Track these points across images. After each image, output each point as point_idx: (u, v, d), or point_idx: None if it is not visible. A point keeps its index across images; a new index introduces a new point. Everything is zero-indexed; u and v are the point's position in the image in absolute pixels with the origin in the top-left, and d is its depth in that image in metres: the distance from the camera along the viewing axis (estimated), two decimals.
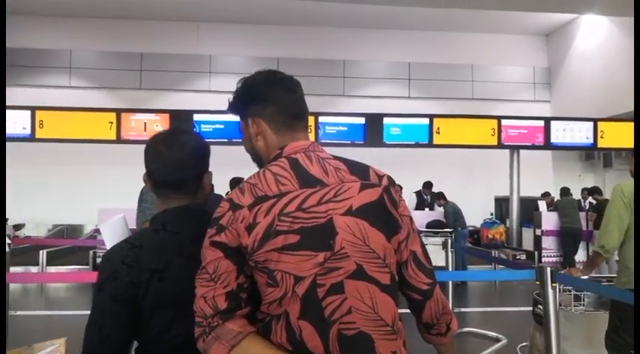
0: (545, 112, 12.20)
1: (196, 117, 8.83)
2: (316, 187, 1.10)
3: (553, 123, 9.26)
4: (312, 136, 8.74)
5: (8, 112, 8.74)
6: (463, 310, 5.96)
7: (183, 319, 1.21)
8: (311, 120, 8.90)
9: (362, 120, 8.96)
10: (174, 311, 1.22)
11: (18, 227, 9.51)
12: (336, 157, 1.20)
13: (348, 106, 11.06)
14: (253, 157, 1.30)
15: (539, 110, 12.06)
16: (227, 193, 7.14)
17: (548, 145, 9.32)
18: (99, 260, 8.38)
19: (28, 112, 8.59)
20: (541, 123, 9.26)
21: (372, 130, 8.94)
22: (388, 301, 1.10)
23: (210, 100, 10.30)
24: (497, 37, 12.77)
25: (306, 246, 1.05)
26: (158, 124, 8.77)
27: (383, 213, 1.14)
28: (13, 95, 10.16)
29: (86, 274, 6.14)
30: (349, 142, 8.86)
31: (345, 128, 8.92)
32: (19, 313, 5.53)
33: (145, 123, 8.71)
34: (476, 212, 10.57)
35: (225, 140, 8.57)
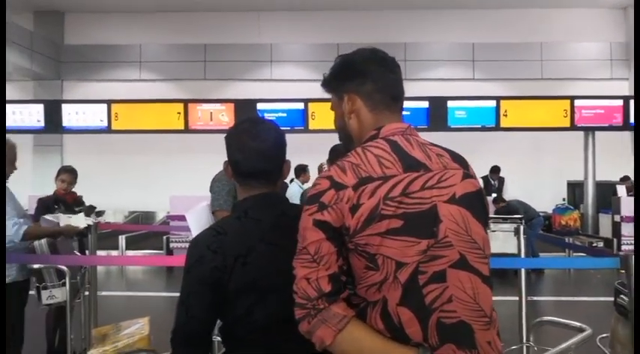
0: (623, 91, 11.39)
1: (259, 106, 9.02)
2: (420, 171, 1.08)
3: (632, 102, 8.64)
4: None
5: (87, 106, 9.33)
6: (536, 298, 5.76)
7: (263, 302, 1.26)
8: None
9: (425, 103, 8.78)
10: (256, 295, 1.27)
11: (99, 214, 10.17)
12: (433, 144, 1.17)
13: (411, 90, 10.65)
14: (342, 137, 1.29)
15: (617, 89, 11.27)
16: (292, 180, 7.26)
17: (627, 125, 8.73)
18: (172, 245, 8.83)
19: (105, 106, 9.12)
20: (619, 102, 8.68)
21: (436, 113, 8.75)
22: (488, 293, 1.08)
23: (271, 89, 10.48)
24: (569, 12, 12.02)
25: (410, 232, 1.04)
26: (223, 114, 9.03)
27: (481, 205, 1.13)
28: (90, 89, 10.82)
29: (164, 258, 6.52)
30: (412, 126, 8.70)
31: (408, 113, 8.76)
32: (104, 293, 5.94)
33: (211, 113, 9.00)
34: (546, 198, 10.12)
35: (288, 128, 8.70)
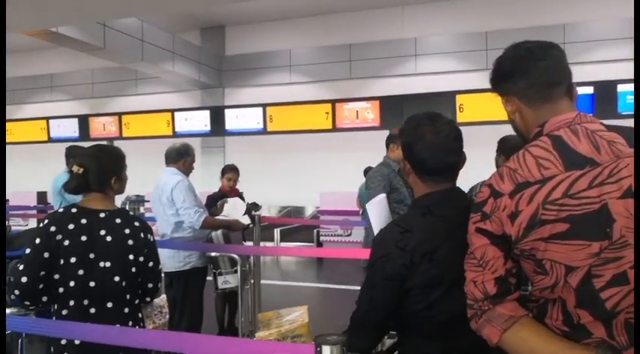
0: None
1: (405, 101, 8.98)
2: (585, 168, 1.00)
3: None
4: None
5: (246, 110, 10.21)
6: None
7: (448, 297, 1.29)
8: None
9: (590, 89, 7.92)
10: (442, 290, 1.30)
11: (257, 208, 11.07)
12: (611, 128, 1.06)
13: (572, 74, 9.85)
14: (519, 136, 1.27)
15: None
16: None
17: None
18: (322, 238, 9.25)
19: (261, 109, 9.90)
20: None
21: (603, 99, 7.83)
22: None
23: (416, 84, 10.34)
24: None
25: (578, 235, 0.97)
26: (369, 111, 9.18)
27: None
28: (247, 95, 11.80)
29: (321, 250, 6.89)
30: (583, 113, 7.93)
31: None
32: (262, 282, 6.46)
33: (357, 111, 9.22)
34: None
35: None
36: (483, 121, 7.58)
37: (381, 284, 1.33)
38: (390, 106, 8.96)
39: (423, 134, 1.38)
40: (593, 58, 10.55)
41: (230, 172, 4.91)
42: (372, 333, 1.37)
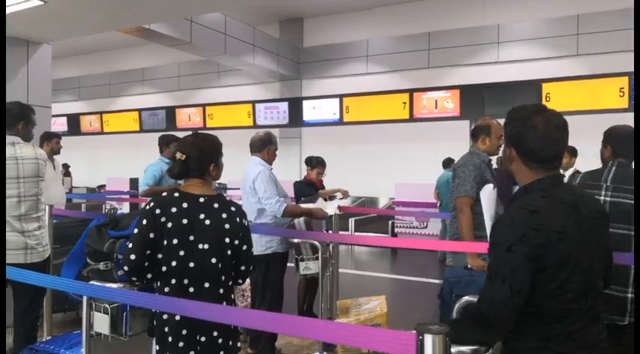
0: None
1: (486, 91, 8.67)
2: None
3: None
4: (625, 101, 7.49)
5: (323, 101, 10.32)
6: None
7: (574, 275, 1.38)
8: (623, 82, 7.65)
9: None
10: (570, 269, 1.38)
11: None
12: None
13: None
14: None
15: None
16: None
17: None
18: (397, 230, 9.18)
19: (337, 100, 9.96)
20: None
21: None
22: None
23: (497, 72, 9.93)
24: None
25: None
26: (449, 101, 8.96)
27: None
28: (324, 86, 11.91)
29: (398, 240, 6.88)
30: None
31: None
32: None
33: (436, 100, 9.03)
34: None
35: None
36: (572, 111, 7.17)
37: (522, 268, 1.36)
38: (470, 95, 8.69)
39: (534, 124, 1.48)
40: None
41: (320, 167, 5.20)
42: (508, 321, 1.39)
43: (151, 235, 2.05)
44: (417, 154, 10.10)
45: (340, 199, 4.73)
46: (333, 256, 3.99)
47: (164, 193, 2.17)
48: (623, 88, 7.58)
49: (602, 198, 2.33)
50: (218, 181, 10.09)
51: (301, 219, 3.66)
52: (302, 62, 12.30)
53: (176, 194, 2.14)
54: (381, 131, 10.71)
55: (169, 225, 2.06)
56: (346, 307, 3.58)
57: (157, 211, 2.07)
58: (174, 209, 2.08)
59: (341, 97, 10.01)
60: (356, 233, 9.05)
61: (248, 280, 3.72)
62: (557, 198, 1.45)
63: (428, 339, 1.05)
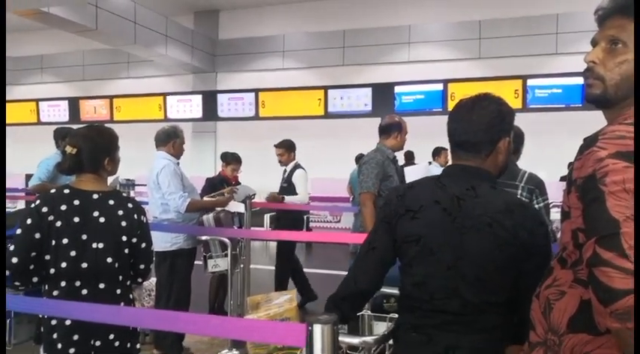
0: None
1: (397, 89, 9.00)
2: None
3: None
4: (519, 102, 8.13)
5: (238, 95, 10.16)
6: None
7: (423, 260, 1.40)
8: (517, 84, 8.28)
9: (580, 80, 7.98)
10: (417, 250, 1.40)
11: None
12: None
13: (563, 66, 9.92)
14: None
15: None
16: (430, 162, 7.13)
17: None
18: (311, 224, 9.27)
19: (253, 94, 9.86)
20: None
21: None
22: None
23: (409, 71, 10.34)
24: None
25: None
26: (361, 98, 9.19)
27: None
28: (239, 80, 11.73)
29: (311, 235, 6.90)
30: (563, 105, 8.03)
31: (560, 90, 8.08)
32: (251, 266, 6.49)
33: (349, 97, 9.22)
34: None
35: (426, 110, 8.56)
36: None
37: (381, 228, 1.50)
38: (381, 93, 8.97)
39: (457, 110, 1.53)
40: (585, 48, 10.60)
41: (235, 163, 5.11)
42: (366, 277, 1.49)
43: (37, 236, 1.91)
44: (331, 150, 10.26)
45: (252, 195, 4.68)
46: (244, 252, 3.95)
47: (52, 190, 2.02)
48: (517, 90, 8.22)
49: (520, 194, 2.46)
50: (126, 178, 9.63)
51: (210, 215, 3.59)
52: (217, 55, 12.03)
53: (66, 191, 2.00)
54: (296, 127, 10.75)
55: (58, 224, 1.92)
56: (257, 302, 3.54)
57: (44, 209, 1.93)
58: (64, 207, 1.95)
59: (257, 91, 9.92)
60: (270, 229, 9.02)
61: (154, 280, 3.59)
62: (443, 184, 1.43)
63: (317, 328, 1.09)
